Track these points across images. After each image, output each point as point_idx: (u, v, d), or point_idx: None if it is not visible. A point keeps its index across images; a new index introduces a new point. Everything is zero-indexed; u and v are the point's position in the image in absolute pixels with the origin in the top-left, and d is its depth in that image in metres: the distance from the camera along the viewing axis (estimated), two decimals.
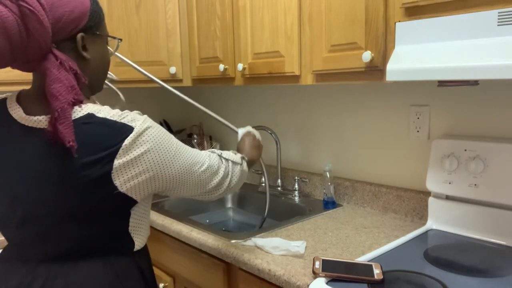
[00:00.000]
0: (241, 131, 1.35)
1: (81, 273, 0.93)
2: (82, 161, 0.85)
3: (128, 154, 0.87)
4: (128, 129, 0.88)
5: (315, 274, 1.07)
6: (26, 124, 0.89)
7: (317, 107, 1.88)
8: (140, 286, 1.01)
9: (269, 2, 1.54)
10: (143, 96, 2.49)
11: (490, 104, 1.35)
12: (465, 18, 1.02)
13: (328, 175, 1.71)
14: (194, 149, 1.05)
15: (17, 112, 0.90)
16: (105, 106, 0.92)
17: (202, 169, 1.03)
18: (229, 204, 2.10)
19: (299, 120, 1.97)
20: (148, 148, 0.90)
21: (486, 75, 0.95)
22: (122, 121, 0.89)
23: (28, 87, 0.98)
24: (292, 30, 1.47)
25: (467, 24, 1.02)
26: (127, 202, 0.93)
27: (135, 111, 0.95)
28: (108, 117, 0.89)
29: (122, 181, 0.88)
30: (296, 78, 1.50)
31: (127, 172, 0.88)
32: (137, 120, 0.90)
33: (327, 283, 1.04)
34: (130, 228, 0.97)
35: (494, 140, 1.29)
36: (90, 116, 0.88)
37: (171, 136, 0.98)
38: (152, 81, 1.36)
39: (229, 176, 1.11)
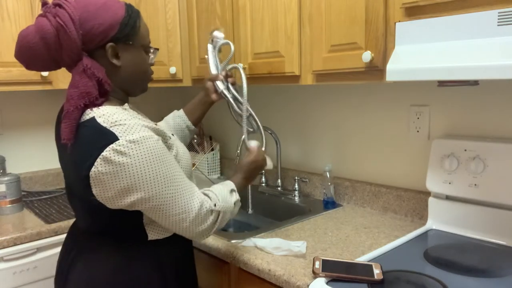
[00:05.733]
0: (252, 144, 1.28)
1: (97, 251, 1.04)
2: (77, 159, 0.95)
3: (105, 165, 0.91)
4: (113, 139, 0.91)
5: (315, 274, 1.07)
6: None
7: (317, 107, 1.88)
8: (153, 274, 1.05)
9: (269, 2, 1.54)
10: (143, 96, 2.49)
11: (490, 104, 1.35)
12: (465, 18, 1.02)
13: (328, 175, 1.71)
14: (187, 189, 1.00)
15: None
16: (118, 111, 0.96)
17: (187, 218, 0.99)
18: None
19: (299, 120, 1.97)
20: (126, 162, 0.91)
21: (486, 75, 0.95)
22: (111, 129, 0.92)
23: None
24: (292, 30, 1.47)
25: (467, 24, 1.02)
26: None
27: (142, 121, 0.97)
28: (101, 122, 0.94)
29: (98, 191, 0.94)
30: (296, 78, 1.50)
31: (101, 183, 0.92)
32: (127, 131, 0.92)
33: (327, 283, 1.04)
34: (144, 221, 1.03)
35: (494, 140, 1.29)
36: (91, 120, 0.95)
37: (163, 160, 0.95)
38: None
39: (216, 225, 1.07)
